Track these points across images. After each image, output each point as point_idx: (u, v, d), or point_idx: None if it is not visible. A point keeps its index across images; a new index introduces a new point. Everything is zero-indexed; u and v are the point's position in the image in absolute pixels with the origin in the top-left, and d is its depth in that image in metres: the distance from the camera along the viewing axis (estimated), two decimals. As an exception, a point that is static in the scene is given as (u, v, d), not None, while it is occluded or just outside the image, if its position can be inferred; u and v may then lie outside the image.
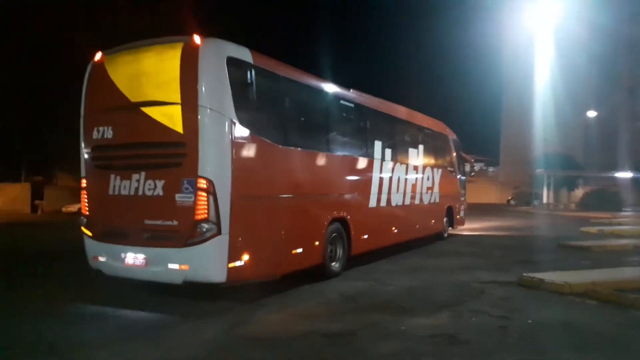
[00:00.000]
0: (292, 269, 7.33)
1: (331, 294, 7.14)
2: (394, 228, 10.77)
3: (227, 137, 6.14)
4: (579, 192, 44.38)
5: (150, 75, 6.42)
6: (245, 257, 6.33)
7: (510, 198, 50.66)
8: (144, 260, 6.41)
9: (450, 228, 14.70)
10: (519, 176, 49.71)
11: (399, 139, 11.40)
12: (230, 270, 6.14)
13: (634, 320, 6.00)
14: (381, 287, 7.73)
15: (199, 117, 6.00)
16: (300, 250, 7.43)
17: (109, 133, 6.79)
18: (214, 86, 6.13)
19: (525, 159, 49.78)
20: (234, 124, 6.18)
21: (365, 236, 9.26)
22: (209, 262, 6.12)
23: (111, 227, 6.76)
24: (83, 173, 7.20)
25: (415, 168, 11.92)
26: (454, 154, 14.74)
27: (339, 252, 8.51)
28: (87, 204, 7.10)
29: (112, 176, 6.74)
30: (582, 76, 48.39)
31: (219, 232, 6.01)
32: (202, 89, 6.04)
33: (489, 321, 5.82)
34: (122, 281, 6.73)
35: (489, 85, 67.86)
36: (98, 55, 7.07)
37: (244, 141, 6.36)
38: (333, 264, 8.37)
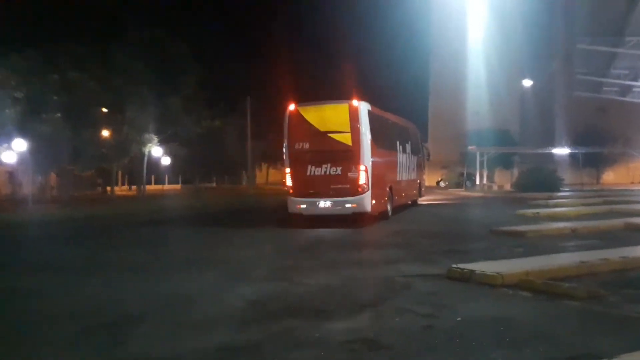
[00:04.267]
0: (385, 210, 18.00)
1: (236, 302, 7.21)
2: (403, 194, 21.30)
3: (370, 146, 16.09)
4: (515, 172, 47.52)
5: (332, 118, 16.13)
6: (373, 201, 16.21)
7: (439, 179, 53.14)
8: (330, 204, 15.99)
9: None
10: (449, 154, 51.97)
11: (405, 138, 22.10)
12: (372, 206, 16.08)
13: (567, 310, 6.36)
14: (294, 288, 7.92)
15: (360, 138, 15.84)
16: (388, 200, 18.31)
17: (306, 145, 16.19)
18: (365, 124, 16.01)
19: (456, 135, 52.27)
20: (370, 139, 16.13)
21: (396, 197, 19.69)
22: (365, 202, 15.88)
23: (309, 190, 16.08)
24: (287, 165, 16.45)
25: (410, 155, 22.25)
26: (420, 143, 25.63)
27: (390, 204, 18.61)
28: (291, 181, 16.33)
29: (309, 166, 16.04)
30: (517, 43, 51.06)
31: (368, 189, 15.88)
32: (361, 125, 15.88)
33: (415, 320, 6.06)
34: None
35: (415, 53, 70.04)
36: (292, 107, 16.39)
37: (374, 147, 16.38)
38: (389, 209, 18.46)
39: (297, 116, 16.52)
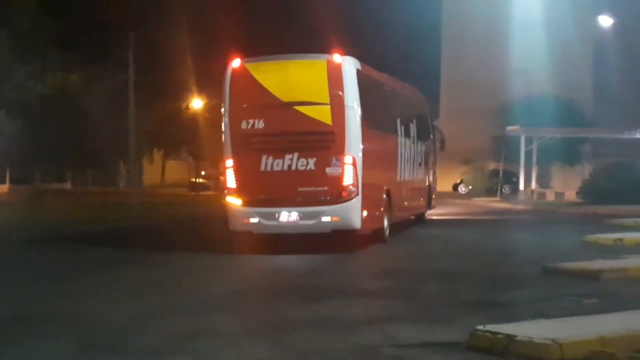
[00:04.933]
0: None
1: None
2: (406, 203, 23.51)
3: (360, 126, 17.29)
4: (584, 170, 48.39)
5: (300, 83, 17.50)
6: (365, 213, 17.37)
7: (458, 181, 55.57)
8: (297, 217, 17.09)
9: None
10: (473, 140, 53.83)
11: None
12: (362, 220, 17.26)
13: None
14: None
15: (344, 113, 17.12)
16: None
17: (259, 124, 17.24)
18: (353, 91, 17.26)
19: (486, 109, 53.91)
20: (360, 116, 17.39)
21: None
22: (352, 214, 17.08)
23: (264, 195, 17.38)
24: (229, 154, 17.49)
25: (416, 142, 24.53)
26: (430, 123, 27.88)
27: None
28: (234, 179, 17.40)
29: (264, 157, 17.16)
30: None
31: (357, 193, 16.97)
32: (346, 93, 17.18)
33: None
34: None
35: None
36: (237, 63, 17.52)
37: (366, 128, 17.64)
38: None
39: (245, 78, 17.45)
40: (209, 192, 62.74)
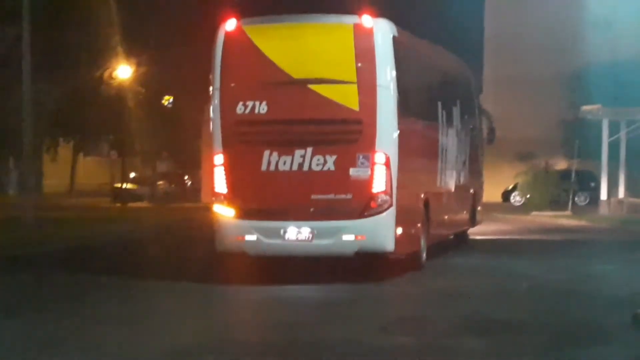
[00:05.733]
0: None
1: None
2: (446, 217, 24.98)
3: (396, 113, 18.28)
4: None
5: (318, 53, 18.34)
6: (399, 230, 18.50)
7: (511, 188, 57.03)
8: (309, 234, 17.88)
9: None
10: (532, 125, 55.76)
11: None
12: (397, 240, 18.28)
13: None
14: None
15: (377, 95, 17.95)
16: None
17: (262, 108, 18.02)
18: (387, 66, 18.13)
19: (550, 78, 56.13)
20: (398, 100, 18.41)
21: None
22: (384, 232, 18.14)
23: (265, 204, 18.35)
24: (218, 149, 18.22)
25: (460, 133, 25.90)
26: (476, 105, 29.23)
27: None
28: (226, 182, 18.11)
29: (267, 152, 17.88)
30: None
31: (391, 204, 17.95)
32: (379, 69, 18.01)
33: None
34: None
35: None
36: (232, 24, 18.10)
37: (402, 116, 18.62)
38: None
39: (243, 45, 18.42)
40: (141, 204, 63.94)
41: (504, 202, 55.79)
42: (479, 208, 29.09)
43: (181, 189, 71.19)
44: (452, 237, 25.96)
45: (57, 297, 18.74)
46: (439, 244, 23.25)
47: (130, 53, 50.52)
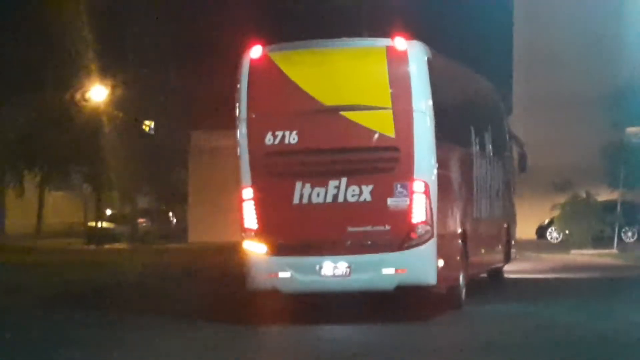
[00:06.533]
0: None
1: None
2: (483, 250, 25.51)
3: (433, 139, 19.09)
4: None
5: (349, 79, 19.33)
6: (441, 262, 19.26)
7: (547, 222, 56.78)
8: (346, 269, 18.75)
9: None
10: (568, 150, 56.06)
11: None
12: (439, 273, 19.18)
13: None
14: None
15: (413, 120, 18.80)
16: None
17: (292, 138, 18.81)
18: (423, 89, 18.95)
19: (589, 96, 55.24)
20: (434, 125, 19.22)
21: None
22: (425, 264, 19.02)
23: (299, 239, 19.22)
24: (247, 182, 19.10)
25: (492, 160, 26.79)
26: (507, 131, 30.14)
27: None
28: (256, 217, 18.93)
29: (299, 184, 18.81)
30: None
31: (432, 235, 18.84)
32: (415, 93, 18.85)
33: None
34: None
35: None
36: (257, 51, 18.98)
37: (442, 142, 19.53)
38: None
39: (270, 73, 18.83)
40: (119, 245, 63.50)
41: (538, 239, 54.58)
42: (513, 242, 29.30)
43: (165, 227, 73.07)
44: (485, 275, 26.19)
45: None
46: (474, 281, 23.50)
47: (106, 72, 50.39)
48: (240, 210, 18.63)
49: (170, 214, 74.59)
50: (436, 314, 19.31)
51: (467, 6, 65.39)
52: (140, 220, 70.56)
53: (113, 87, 53.09)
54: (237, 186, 18.89)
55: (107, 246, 61.13)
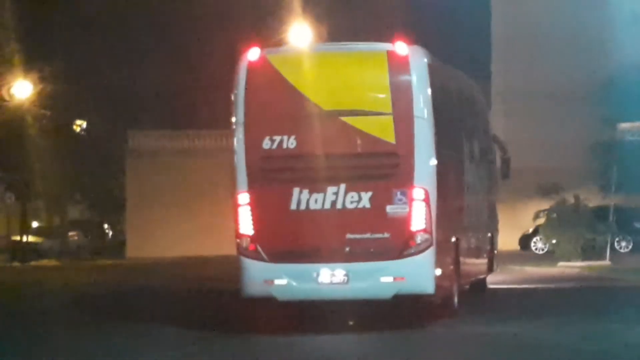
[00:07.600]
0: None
1: None
2: (473, 260, 26.58)
3: (434, 145, 20.10)
4: None
5: (350, 83, 20.41)
6: (438, 271, 20.24)
7: (531, 230, 57.16)
8: (344, 277, 19.53)
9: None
10: (554, 151, 57.93)
11: None
12: (436, 282, 20.09)
13: None
14: None
15: (414, 127, 19.83)
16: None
17: (290, 143, 19.81)
18: (424, 95, 20.09)
19: (576, 89, 57.48)
20: (435, 130, 20.25)
21: None
22: (425, 272, 19.96)
23: (296, 246, 19.83)
24: (243, 187, 19.91)
25: (479, 167, 27.54)
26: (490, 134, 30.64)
27: None
28: (252, 223, 19.68)
29: (297, 190, 19.61)
30: None
31: (432, 243, 19.77)
32: (416, 98, 19.92)
33: None
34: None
35: None
36: (255, 54, 19.97)
37: (440, 149, 20.47)
38: None
39: (268, 76, 19.57)
40: (47, 261, 64.16)
41: (522, 250, 54.81)
42: (495, 251, 29.98)
43: (100, 241, 72.32)
44: (469, 282, 25.95)
45: None
46: (461, 291, 23.86)
47: (31, 65, 49.47)
48: (235, 215, 19.20)
49: (106, 225, 74.03)
50: (433, 321, 20.21)
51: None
52: (71, 233, 69.93)
53: (40, 83, 52.05)
54: (232, 190, 19.50)
55: (33, 263, 61.45)
